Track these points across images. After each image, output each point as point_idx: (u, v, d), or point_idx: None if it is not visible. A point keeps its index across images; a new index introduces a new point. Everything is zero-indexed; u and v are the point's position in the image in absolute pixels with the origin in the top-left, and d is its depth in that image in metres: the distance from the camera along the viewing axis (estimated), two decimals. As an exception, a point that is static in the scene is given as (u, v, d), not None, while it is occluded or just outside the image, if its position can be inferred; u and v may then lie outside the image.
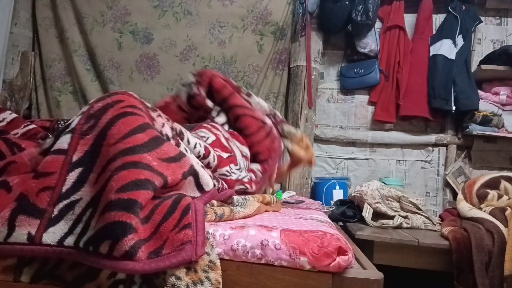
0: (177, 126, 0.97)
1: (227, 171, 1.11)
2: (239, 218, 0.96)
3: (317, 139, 2.56)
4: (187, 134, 0.98)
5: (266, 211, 1.16)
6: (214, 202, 0.97)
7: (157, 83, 2.61)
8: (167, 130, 0.90)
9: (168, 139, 0.88)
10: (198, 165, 0.89)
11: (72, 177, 0.76)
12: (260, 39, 2.55)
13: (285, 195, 2.04)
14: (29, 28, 2.71)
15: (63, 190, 0.75)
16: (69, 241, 0.72)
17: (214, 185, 0.96)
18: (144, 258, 0.66)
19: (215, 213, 0.89)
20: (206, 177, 0.88)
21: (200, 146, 1.00)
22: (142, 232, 0.69)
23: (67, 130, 0.81)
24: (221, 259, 0.78)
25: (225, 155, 1.14)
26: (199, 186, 0.86)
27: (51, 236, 0.72)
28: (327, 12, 2.35)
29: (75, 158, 0.77)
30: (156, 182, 0.74)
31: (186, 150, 0.92)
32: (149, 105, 0.91)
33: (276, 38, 2.53)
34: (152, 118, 0.87)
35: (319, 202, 2.00)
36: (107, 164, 0.74)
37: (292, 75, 2.50)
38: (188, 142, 0.97)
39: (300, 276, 0.76)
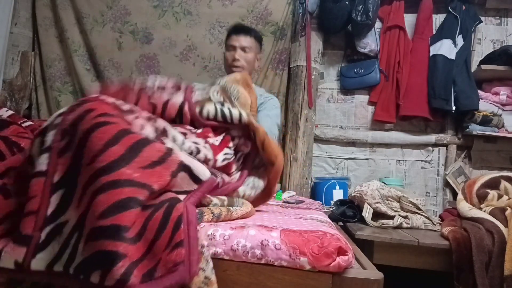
0: (161, 124, 0.91)
1: (226, 157, 1.05)
2: (237, 218, 0.95)
3: (317, 139, 2.56)
4: (172, 131, 0.93)
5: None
6: (214, 199, 0.94)
7: (157, 83, 2.61)
8: (148, 132, 0.85)
9: None
10: (189, 157, 0.85)
11: (56, 198, 0.73)
12: (260, 39, 2.55)
13: (285, 195, 2.04)
14: (29, 28, 2.71)
15: (48, 213, 0.72)
16: (58, 266, 0.70)
17: (213, 174, 0.93)
18: (138, 283, 0.64)
19: (212, 213, 0.87)
20: (201, 168, 0.84)
21: (190, 142, 0.95)
22: (134, 253, 0.67)
23: (43, 147, 0.77)
24: (221, 259, 0.79)
25: (217, 140, 1.06)
26: (195, 178, 0.82)
27: (40, 262, 0.70)
28: (327, 12, 2.35)
29: (56, 178, 0.74)
30: (140, 197, 0.71)
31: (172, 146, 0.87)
32: (126, 107, 0.85)
33: (276, 38, 2.53)
34: (129, 123, 0.82)
35: (319, 202, 2.00)
36: (85, 186, 0.71)
37: (292, 75, 2.50)
38: (174, 140, 0.91)
39: (300, 276, 0.76)
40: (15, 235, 0.72)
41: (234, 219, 0.94)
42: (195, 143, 0.97)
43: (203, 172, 0.84)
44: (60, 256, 0.71)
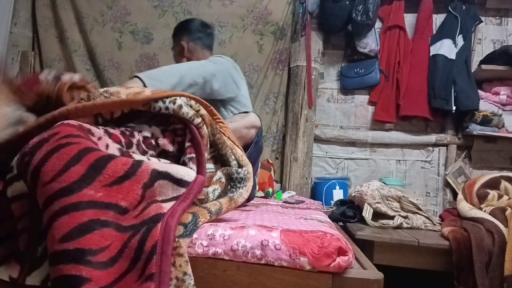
0: (129, 139, 0.88)
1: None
2: (243, 202, 0.92)
3: (317, 139, 2.56)
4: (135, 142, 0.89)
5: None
6: (209, 189, 0.91)
7: (157, 83, 2.61)
8: (113, 150, 0.82)
9: None
10: (165, 164, 0.82)
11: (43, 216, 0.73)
12: (260, 39, 2.55)
13: (285, 195, 2.05)
14: (29, 28, 2.71)
15: (42, 228, 0.72)
16: None
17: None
18: None
19: (209, 212, 0.84)
20: (182, 170, 0.79)
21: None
22: (102, 278, 0.65)
23: (12, 174, 0.76)
24: (221, 259, 0.78)
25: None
26: (178, 182, 0.78)
27: (35, 278, 0.71)
28: (327, 12, 2.35)
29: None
30: (104, 218, 0.68)
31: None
32: (93, 128, 0.84)
33: (276, 38, 2.53)
34: (94, 142, 0.80)
35: (319, 202, 2.00)
36: (44, 206, 0.69)
37: (292, 75, 2.50)
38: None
39: (300, 276, 0.76)
40: (12, 249, 0.73)
41: (240, 205, 0.91)
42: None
43: (186, 173, 0.79)
44: None
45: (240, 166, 0.99)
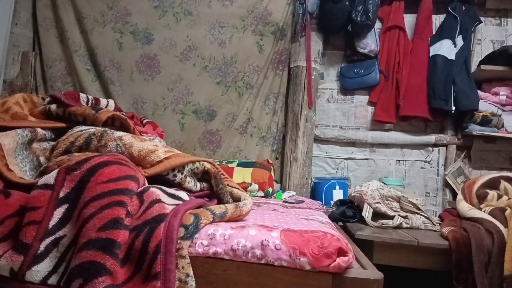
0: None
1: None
2: (247, 213, 0.96)
3: (317, 139, 2.57)
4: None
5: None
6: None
7: (157, 83, 2.61)
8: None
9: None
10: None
11: (58, 213, 0.76)
12: (260, 39, 2.55)
13: (285, 195, 2.05)
14: (29, 28, 2.71)
15: (50, 225, 0.74)
16: (53, 280, 0.71)
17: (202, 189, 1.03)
18: None
19: (212, 214, 0.86)
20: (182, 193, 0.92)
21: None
22: (120, 275, 0.69)
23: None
24: (221, 259, 0.79)
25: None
26: (178, 198, 0.92)
27: (35, 274, 0.71)
28: (327, 12, 2.35)
29: (62, 194, 0.77)
30: (125, 219, 0.75)
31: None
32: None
33: (276, 38, 2.53)
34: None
35: (319, 202, 2.01)
36: (91, 200, 0.74)
37: (292, 75, 2.50)
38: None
39: (300, 276, 0.77)
40: (15, 242, 0.73)
41: (245, 215, 0.94)
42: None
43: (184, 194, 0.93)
44: (56, 270, 0.72)
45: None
